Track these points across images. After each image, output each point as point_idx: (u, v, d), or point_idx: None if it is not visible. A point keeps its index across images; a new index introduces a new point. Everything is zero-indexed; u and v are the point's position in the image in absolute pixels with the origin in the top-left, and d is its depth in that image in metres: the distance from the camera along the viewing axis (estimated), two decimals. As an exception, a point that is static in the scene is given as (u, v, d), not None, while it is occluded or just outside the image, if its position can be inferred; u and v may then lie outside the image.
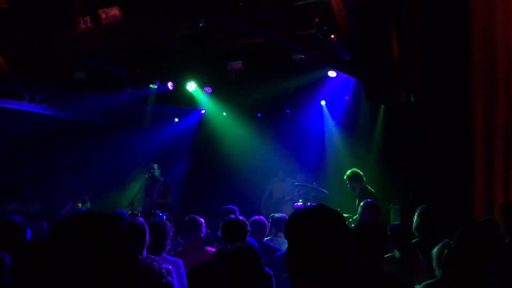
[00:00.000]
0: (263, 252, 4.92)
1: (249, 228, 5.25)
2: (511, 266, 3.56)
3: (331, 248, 1.88)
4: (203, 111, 12.58)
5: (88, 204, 9.72)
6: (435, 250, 4.08)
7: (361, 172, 8.62)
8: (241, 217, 5.29)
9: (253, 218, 6.05)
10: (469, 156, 6.83)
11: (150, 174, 10.19)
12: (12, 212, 8.54)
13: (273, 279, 4.60)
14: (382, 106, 9.71)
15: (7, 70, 8.60)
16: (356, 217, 7.15)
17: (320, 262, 1.87)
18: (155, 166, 10.35)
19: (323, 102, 11.16)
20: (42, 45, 8.71)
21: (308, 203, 9.37)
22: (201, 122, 12.72)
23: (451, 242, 3.04)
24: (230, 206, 6.79)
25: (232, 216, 5.41)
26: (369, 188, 8.50)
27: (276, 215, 6.78)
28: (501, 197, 6.45)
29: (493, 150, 6.60)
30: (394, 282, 3.13)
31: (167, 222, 4.92)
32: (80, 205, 9.58)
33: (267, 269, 4.54)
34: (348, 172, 8.62)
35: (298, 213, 2.02)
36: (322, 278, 1.88)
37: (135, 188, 10.29)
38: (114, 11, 7.77)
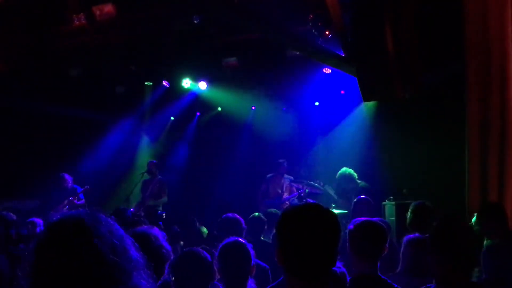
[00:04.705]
0: (261, 249, 4.94)
1: (244, 225, 5.28)
2: (501, 265, 3.56)
3: (316, 251, 1.86)
4: (198, 113, 12.56)
5: (83, 201, 9.69)
6: None
7: (350, 171, 8.61)
8: (237, 216, 5.33)
9: (251, 216, 6.07)
10: (463, 151, 6.84)
11: (147, 172, 10.15)
12: (8, 209, 8.51)
13: (269, 272, 4.62)
14: (375, 101, 9.71)
15: (0, 67, 8.57)
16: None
17: (305, 264, 1.87)
18: (152, 163, 10.31)
19: (316, 103, 11.17)
20: (36, 41, 8.68)
21: (304, 200, 9.38)
22: (197, 121, 12.70)
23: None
24: (226, 202, 6.80)
25: (229, 214, 5.45)
26: (364, 184, 8.51)
27: (271, 210, 6.80)
28: (496, 192, 6.46)
29: (488, 145, 6.61)
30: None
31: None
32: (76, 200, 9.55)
33: (262, 263, 4.57)
34: (338, 174, 8.63)
35: (288, 213, 1.99)
36: (307, 280, 1.88)
37: (132, 185, 10.29)
38: (108, 8, 7.75)
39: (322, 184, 9.63)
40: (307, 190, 9.67)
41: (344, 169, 8.66)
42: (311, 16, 7.67)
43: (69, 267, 1.40)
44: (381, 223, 3.47)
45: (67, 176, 9.69)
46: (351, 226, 3.28)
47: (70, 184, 9.68)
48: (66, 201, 9.44)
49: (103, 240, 1.46)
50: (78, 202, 9.56)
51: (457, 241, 2.81)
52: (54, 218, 1.52)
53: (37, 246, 1.47)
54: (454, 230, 2.89)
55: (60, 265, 1.41)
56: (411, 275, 3.43)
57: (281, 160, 10.28)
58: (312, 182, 9.73)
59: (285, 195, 10.31)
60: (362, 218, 3.41)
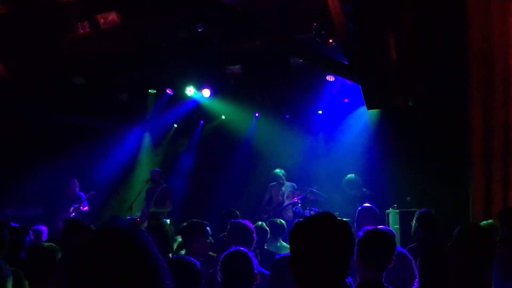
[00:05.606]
0: (265, 258, 4.89)
1: (255, 236, 5.21)
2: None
3: (325, 261, 1.86)
4: (202, 122, 12.55)
5: (87, 208, 9.68)
6: None
7: (357, 178, 8.61)
8: (248, 223, 5.28)
9: (254, 225, 6.03)
10: (467, 159, 6.82)
11: (151, 179, 10.08)
12: (10, 217, 8.51)
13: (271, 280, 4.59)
14: (379, 110, 9.71)
15: (5, 75, 8.60)
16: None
17: (313, 273, 1.87)
18: (156, 171, 10.26)
19: (320, 112, 11.16)
20: (40, 50, 8.72)
21: (307, 208, 9.35)
22: (201, 129, 12.69)
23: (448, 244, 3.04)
24: (232, 209, 6.79)
25: (241, 220, 5.40)
26: (368, 192, 8.51)
27: (274, 220, 6.78)
28: (500, 200, 6.44)
29: (491, 153, 6.59)
30: None
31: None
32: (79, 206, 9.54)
33: (265, 271, 4.54)
34: (344, 179, 8.65)
35: (300, 222, 2.00)
36: None
37: (135, 192, 10.25)
38: (112, 16, 7.79)
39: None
40: (310, 197, 9.64)
41: (350, 175, 8.69)
42: (315, 24, 7.69)
43: (104, 279, 1.38)
44: (389, 232, 3.47)
45: (76, 181, 9.70)
46: (361, 234, 3.28)
47: (78, 189, 9.68)
48: (72, 209, 9.41)
49: (146, 264, 1.43)
50: (84, 209, 9.54)
51: (482, 248, 2.88)
52: (102, 225, 1.49)
53: (81, 248, 1.44)
54: (479, 236, 2.96)
55: (96, 275, 1.38)
56: None
57: (276, 171, 10.26)
58: (314, 189, 9.69)
59: (287, 202, 10.29)
60: (372, 227, 3.42)
